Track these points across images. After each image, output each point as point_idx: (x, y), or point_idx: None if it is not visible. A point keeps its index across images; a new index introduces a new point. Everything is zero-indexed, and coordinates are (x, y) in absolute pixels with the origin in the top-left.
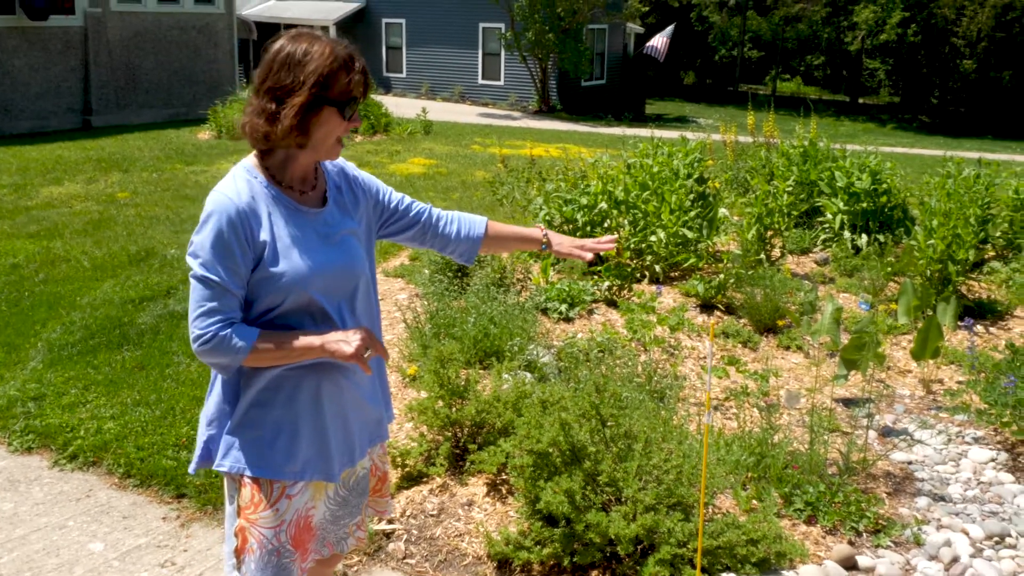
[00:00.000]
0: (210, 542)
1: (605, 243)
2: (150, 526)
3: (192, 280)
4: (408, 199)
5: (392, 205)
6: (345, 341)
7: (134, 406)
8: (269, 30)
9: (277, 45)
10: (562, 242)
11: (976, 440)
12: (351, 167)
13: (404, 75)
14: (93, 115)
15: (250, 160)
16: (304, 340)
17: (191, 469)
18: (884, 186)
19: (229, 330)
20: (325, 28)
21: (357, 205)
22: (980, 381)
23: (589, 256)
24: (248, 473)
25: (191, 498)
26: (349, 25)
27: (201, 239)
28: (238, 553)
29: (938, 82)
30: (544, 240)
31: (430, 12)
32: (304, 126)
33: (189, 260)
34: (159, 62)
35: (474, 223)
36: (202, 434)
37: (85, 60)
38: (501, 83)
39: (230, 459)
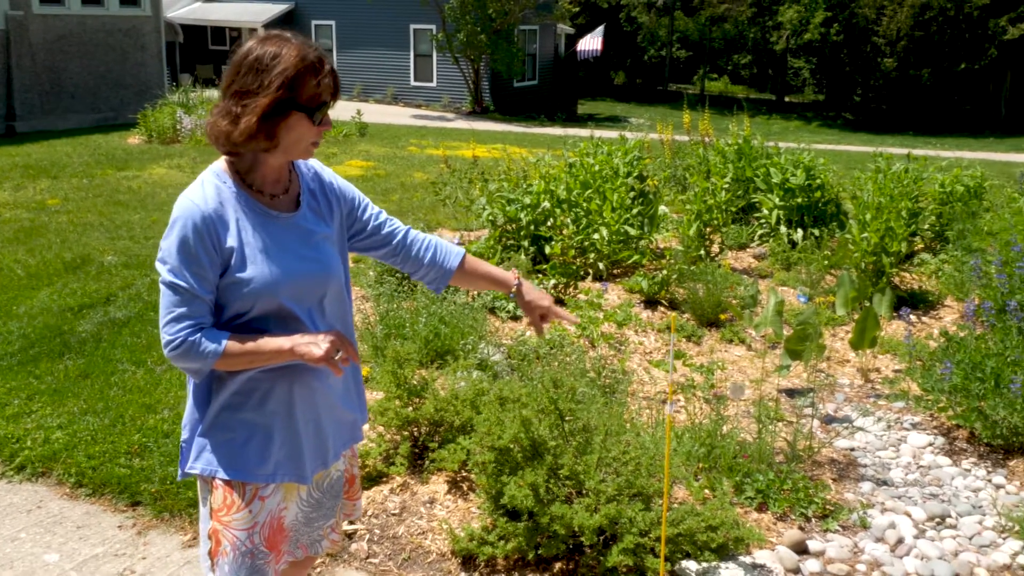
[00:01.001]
0: (169, 549)
1: (566, 317)
2: (106, 535)
3: (161, 286)
4: (385, 216)
5: (366, 219)
6: (315, 343)
7: (81, 415)
8: (195, 32)
9: (246, 48)
10: (532, 295)
11: (914, 426)
12: (328, 172)
13: None
14: (17, 120)
15: (220, 164)
16: (274, 343)
17: (179, 476)
18: (818, 181)
19: (199, 335)
20: (253, 30)
21: (331, 211)
22: (917, 368)
23: (543, 329)
24: (220, 475)
25: (147, 505)
26: (277, 27)
27: (168, 245)
28: (212, 555)
29: (860, 80)
30: (515, 289)
31: (360, 14)
32: (271, 131)
33: (158, 266)
34: (85, 66)
35: (450, 253)
36: (182, 440)
37: (7, 64)
38: (434, 84)
39: (202, 461)
